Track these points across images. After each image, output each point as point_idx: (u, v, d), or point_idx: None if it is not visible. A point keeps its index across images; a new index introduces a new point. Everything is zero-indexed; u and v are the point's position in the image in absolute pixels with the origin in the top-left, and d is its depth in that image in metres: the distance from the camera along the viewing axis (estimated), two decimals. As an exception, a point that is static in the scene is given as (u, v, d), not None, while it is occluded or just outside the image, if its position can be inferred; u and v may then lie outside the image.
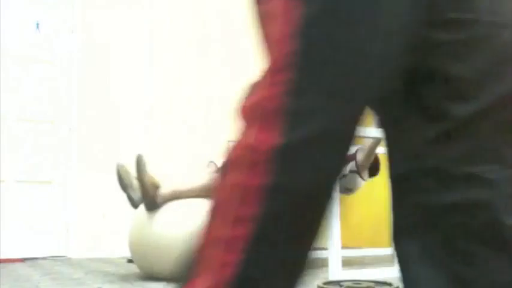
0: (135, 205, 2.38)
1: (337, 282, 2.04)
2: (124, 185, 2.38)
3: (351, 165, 2.92)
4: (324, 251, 2.92)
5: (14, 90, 3.46)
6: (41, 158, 3.50)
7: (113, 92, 3.80)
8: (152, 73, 3.98)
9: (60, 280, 2.35)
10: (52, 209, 3.49)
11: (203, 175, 2.53)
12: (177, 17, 4.17)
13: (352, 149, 2.69)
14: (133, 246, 2.40)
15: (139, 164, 2.29)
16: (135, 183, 2.34)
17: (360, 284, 1.99)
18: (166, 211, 2.32)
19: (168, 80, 4.03)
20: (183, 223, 2.24)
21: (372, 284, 1.96)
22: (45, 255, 3.42)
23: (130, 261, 2.51)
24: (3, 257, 3.21)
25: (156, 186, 2.30)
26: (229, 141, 2.60)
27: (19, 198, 3.39)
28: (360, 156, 2.92)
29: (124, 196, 3.68)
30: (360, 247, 4.02)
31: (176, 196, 2.35)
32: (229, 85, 4.29)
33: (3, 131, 3.40)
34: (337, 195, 2.28)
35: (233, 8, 4.52)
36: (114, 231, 3.65)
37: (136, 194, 2.33)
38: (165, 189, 2.32)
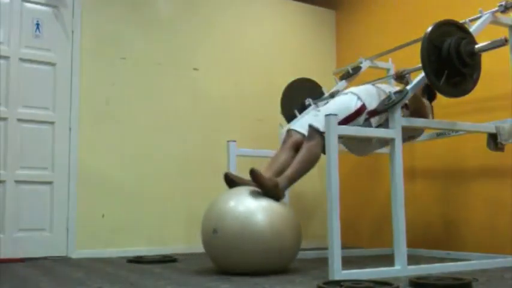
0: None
1: (337, 282, 2.04)
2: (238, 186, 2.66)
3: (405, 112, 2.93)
4: (324, 251, 2.92)
5: (14, 90, 3.45)
6: (41, 158, 3.50)
7: (113, 92, 3.80)
8: (153, 71, 3.97)
9: (60, 280, 2.35)
10: (52, 209, 3.49)
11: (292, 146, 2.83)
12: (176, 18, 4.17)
13: (392, 88, 2.62)
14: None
15: (256, 175, 2.50)
16: (252, 183, 2.58)
17: (360, 284, 1.99)
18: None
19: (168, 80, 4.03)
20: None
21: (371, 284, 1.96)
22: (45, 255, 3.42)
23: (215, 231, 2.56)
24: (3, 257, 3.21)
25: (276, 184, 2.55)
26: (228, 141, 2.63)
27: (19, 198, 3.39)
28: (410, 102, 2.92)
29: (123, 196, 3.70)
30: (360, 247, 4.02)
31: (292, 181, 2.66)
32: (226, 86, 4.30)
33: (3, 131, 3.40)
34: (336, 195, 2.29)
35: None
36: (114, 231, 3.66)
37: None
38: (281, 181, 2.59)
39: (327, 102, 3.22)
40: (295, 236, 2.55)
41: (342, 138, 2.88)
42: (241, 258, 2.43)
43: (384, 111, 2.68)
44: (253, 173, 2.50)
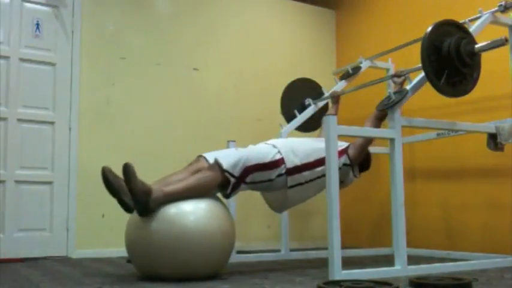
0: (128, 210, 2.34)
1: (337, 282, 2.04)
2: (114, 189, 2.29)
3: (344, 159, 2.91)
4: (324, 251, 2.92)
5: (14, 90, 3.45)
6: (41, 158, 3.50)
7: (113, 92, 3.80)
8: (153, 71, 3.98)
9: (60, 280, 2.35)
10: (52, 209, 3.49)
11: (193, 172, 2.53)
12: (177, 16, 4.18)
13: (344, 144, 2.70)
14: (130, 246, 2.39)
15: (128, 171, 2.21)
16: (125, 187, 2.27)
17: (360, 284, 1.98)
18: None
19: (168, 80, 4.03)
20: (178, 221, 2.26)
21: (371, 284, 1.96)
22: (45, 255, 3.42)
23: (129, 261, 2.50)
24: (3, 257, 3.21)
25: (148, 192, 2.25)
26: (228, 141, 2.62)
27: (19, 198, 3.39)
28: (351, 151, 2.92)
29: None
30: (360, 247, 4.02)
31: (168, 199, 2.31)
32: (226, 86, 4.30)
33: (3, 131, 3.40)
34: (336, 195, 2.29)
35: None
36: (114, 231, 3.66)
37: (129, 198, 2.28)
38: (157, 193, 2.28)
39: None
40: (223, 237, 2.37)
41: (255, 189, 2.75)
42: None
43: (301, 171, 2.68)
44: (127, 168, 2.20)
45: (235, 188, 2.57)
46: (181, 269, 2.27)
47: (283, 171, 2.69)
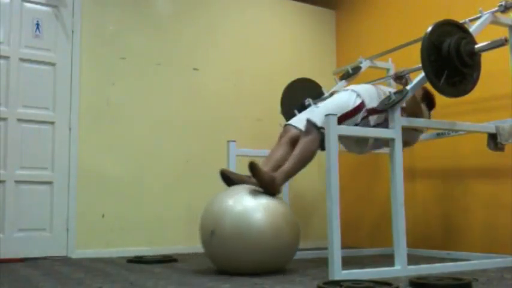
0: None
1: (337, 282, 2.04)
2: (234, 183, 2.67)
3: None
4: (324, 251, 2.92)
5: (14, 90, 3.45)
6: (41, 158, 3.50)
7: (113, 92, 3.80)
8: (153, 71, 3.98)
9: (60, 280, 2.35)
10: (52, 209, 3.49)
11: (289, 142, 2.84)
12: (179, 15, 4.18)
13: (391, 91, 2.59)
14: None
15: (254, 168, 2.50)
16: (248, 179, 2.63)
17: (360, 284, 1.99)
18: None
19: (168, 80, 4.03)
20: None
21: (371, 284, 1.96)
22: (45, 255, 3.42)
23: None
24: (3, 257, 3.21)
25: (273, 180, 2.55)
26: (228, 141, 2.64)
27: (19, 198, 3.39)
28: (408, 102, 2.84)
29: (123, 196, 3.70)
30: (360, 247, 4.02)
31: (289, 176, 2.66)
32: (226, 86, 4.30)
33: (3, 131, 3.40)
34: (336, 195, 2.29)
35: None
36: (114, 231, 3.66)
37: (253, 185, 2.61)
38: (278, 176, 2.59)
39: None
40: (293, 234, 2.55)
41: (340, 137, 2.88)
42: (240, 258, 2.43)
43: (383, 110, 2.67)
44: (252, 166, 2.49)
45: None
46: (251, 264, 2.45)
47: (366, 113, 2.82)
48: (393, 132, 2.52)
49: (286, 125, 2.96)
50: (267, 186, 2.53)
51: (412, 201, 3.69)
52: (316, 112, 2.79)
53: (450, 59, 2.49)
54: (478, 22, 2.86)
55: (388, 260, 2.75)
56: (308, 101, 3.65)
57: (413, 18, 3.98)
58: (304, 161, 2.69)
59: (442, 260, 3.16)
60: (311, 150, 2.69)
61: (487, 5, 2.96)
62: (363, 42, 4.54)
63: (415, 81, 2.63)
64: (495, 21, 2.93)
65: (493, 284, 2.14)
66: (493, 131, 2.84)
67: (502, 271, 2.58)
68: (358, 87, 3.00)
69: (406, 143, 3.11)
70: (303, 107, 3.64)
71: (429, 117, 3.15)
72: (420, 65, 2.50)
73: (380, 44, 4.08)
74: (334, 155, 2.32)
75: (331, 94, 3.58)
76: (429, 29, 2.50)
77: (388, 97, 2.60)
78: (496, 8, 2.92)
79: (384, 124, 2.74)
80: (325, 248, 2.43)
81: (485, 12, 2.92)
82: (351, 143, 3.13)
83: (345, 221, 2.60)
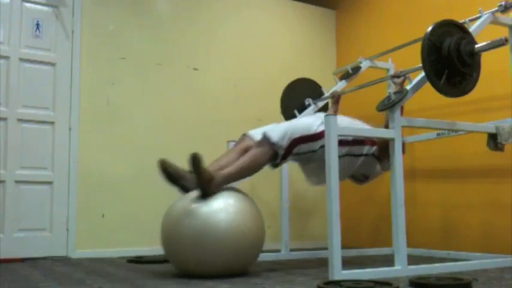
0: (187, 192, 2.55)
1: (337, 282, 2.04)
2: (174, 177, 2.56)
3: (374, 149, 2.91)
4: (324, 251, 2.92)
5: (14, 90, 3.46)
6: (41, 158, 3.50)
7: (113, 92, 3.80)
8: (153, 71, 3.98)
9: (60, 280, 2.35)
10: (52, 209, 3.49)
11: (241, 151, 2.73)
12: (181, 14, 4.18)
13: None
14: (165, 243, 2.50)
15: (197, 161, 2.41)
16: (186, 174, 2.53)
17: (360, 284, 1.99)
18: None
19: (168, 80, 4.03)
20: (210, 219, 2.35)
21: (371, 284, 1.96)
22: (45, 255, 3.42)
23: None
24: (3, 257, 3.21)
25: (211, 178, 2.45)
26: (228, 141, 2.64)
27: (19, 198, 3.39)
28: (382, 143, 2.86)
29: (123, 196, 3.70)
30: (360, 247, 4.02)
31: (228, 181, 2.55)
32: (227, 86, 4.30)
33: (3, 131, 3.40)
34: (336, 195, 2.29)
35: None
36: (114, 231, 3.66)
37: (190, 184, 2.51)
38: (217, 177, 2.48)
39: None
40: (255, 234, 2.46)
41: (298, 160, 2.88)
42: (199, 260, 2.36)
43: (344, 143, 2.69)
44: (194, 158, 2.39)
45: (284, 159, 2.74)
46: (213, 266, 2.36)
47: (325, 142, 2.73)
48: (393, 132, 2.52)
49: (244, 133, 2.84)
50: (203, 183, 2.41)
51: (412, 201, 3.69)
52: (276, 128, 2.74)
53: (450, 59, 2.49)
54: (478, 22, 2.86)
55: (388, 260, 2.75)
56: (308, 101, 3.66)
57: (413, 18, 3.98)
58: (249, 170, 2.61)
59: (442, 260, 3.16)
60: (258, 162, 2.62)
61: (487, 5, 2.95)
62: (362, 42, 4.54)
63: (415, 81, 2.63)
64: (495, 21, 2.93)
65: (493, 284, 2.14)
66: (493, 131, 2.84)
67: (502, 271, 2.58)
68: (322, 115, 2.86)
69: (365, 179, 3.12)
70: (303, 107, 3.65)
71: (381, 172, 3.12)
72: (420, 65, 2.50)
73: (380, 44, 4.08)
74: (334, 155, 2.32)
75: (331, 94, 3.59)
76: (429, 29, 2.49)
77: (388, 97, 2.60)
78: (496, 8, 2.92)
79: (341, 158, 2.69)
80: (325, 248, 2.43)
81: (485, 12, 2.92)
82: (310, 170, 3.00)
83: (345, 221, 2.60)
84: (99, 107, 3.73)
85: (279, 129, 2.70)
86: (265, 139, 2.65)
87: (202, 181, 2.40)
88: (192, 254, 2.34)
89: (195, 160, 2.40)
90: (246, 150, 2.71)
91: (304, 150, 2.75)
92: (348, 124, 2.82)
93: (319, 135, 2.71)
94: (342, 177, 2.84)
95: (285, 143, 2.67)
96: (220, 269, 2.38)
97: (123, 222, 3.70)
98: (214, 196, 2.43)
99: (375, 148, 2.94)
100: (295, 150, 2.73)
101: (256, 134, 2.75)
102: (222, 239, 2.32)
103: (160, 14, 4.10)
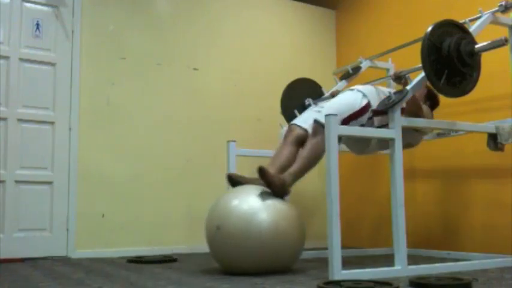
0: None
1: (337, 282, 2.04)
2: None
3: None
4: (324, 251, 2.92)
5: (14, 90, 3.46)
6: (41, 158, 3.50)
7: (113, 92, 3.80)
8: (153, 71, 3.98)
9: (60, 280, 2.35)
10: (52, 209, 3.49)
11: (295, 142, 2.83)
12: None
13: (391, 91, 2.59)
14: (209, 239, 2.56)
15: (264, 173, 2.49)
16: (256, 181, 2.61)
17: (360, 284, 1.99)
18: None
19: (168, 80, 4.03)
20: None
21: (371, 284, 1.96)
22: (45, 255, 3.42)
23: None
24: (3, 257, 3.21)
25: (284, 182, 2.55)
26: (228, 141, 2.64)
27: (19, 198, 3.39)
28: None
29: (123, 196, 3.70)
30: (360, 247, 4.02)
31: (298, 178, 2.64)
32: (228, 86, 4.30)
33: (3, 131, 3.40)
34: (336, 195, 2.29)
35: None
36: (114, 231, 3.66)
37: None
38: (287, 178, 2.58)
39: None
40: (298, 235, 2.55)
41: (342, 137, 2.89)
42: (245, 257, 2.43)
43: (387, 112, 2.66)
44: (261, 171, 2.49)
45: (339, 140, 2.72)
46: (256, 264, 2.44)
47: (371, 114, 2.80)
48: (393, 132, 2.51)
49: (291, 124, 2.96)
50: (277, 189, 2.53)
51: (412, 201, 3.69)
52: (323, 112, 2.77)
53: (450, 59, 2.49)
54: (478, 22, 2.86)
55: (388, 260, 2.74)
56: (308, 101, 3.66)
57: (413, 18, 3.98)
58: (313, 162, 2.70)
59: (442, 260, 3.16)
60: (319, 151, 2.67)
61: (487, 5, 2.95)
62: (362, 42, 4.54)
63: (415, 81, 2.63)
64: (495, 21, 2.93)
65: (493, 284, 2.14)
66: (493, 131, 2.84)
67: (502, 271, 2.58)
68: (363, 87, 2.99)
69: (409, 145, 3.11)
70: (303, 107, 3.65)
71: (432, 117, 3.14)
72: (420, 65, 2.49)
73: (380, 44, 4.08)
74: (334, 155, 2.32)
75: (332, 94, 3.59)
76: (429, 29, 2.49)
77: (388, 97, 2.60)
78: (496, 8, 2.92)
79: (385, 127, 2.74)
80: (325, 248, 2.42)
81: (485, 12, 2.92)
82: (352, 143, 3.12)
83: (345, 221, 2.60)
84: (99, 107, 3.73)
85: (328, 113, 2.71)
86: (319, 126, 2.68)
87: (275, 188, 2.52)
88: (235, 252, 2.44)
89: (263, 173, 2.49)
90: (298, 140, 2.83)
91: (354, 126, 2.77)
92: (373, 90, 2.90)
93: (365, 108, 2.79)
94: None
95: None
96: (260, 267, 2.46)
97: (123, 222, 3.70)
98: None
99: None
100: None
101: (305, 122, 2.85)
102: (263, 239, 2.40)
103: (160, 14, 4.10)
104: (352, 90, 2.99)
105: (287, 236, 2.47)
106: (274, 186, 2.52)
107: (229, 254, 2.47)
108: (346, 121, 2.73)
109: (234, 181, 2.67)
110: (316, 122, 2.73)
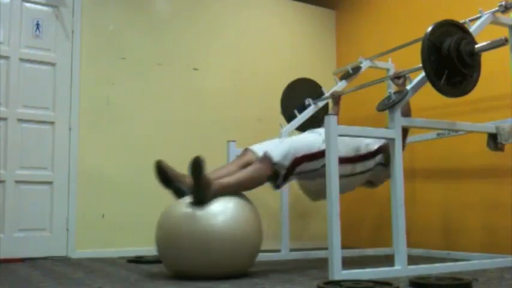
0: (182, 196, 2.48)
1: (337, 282, 2.04)
2: (169, 179, 2.48)
3: (379, 158, 2.91)
4: (324, 251, 2.92)
5: (14, 90, 3.46)
6: (41, 158, 3.50)
7: (113, 92, 3.80)
8: (153, 71, 3.98)
9: (60, 280, 2.35)
10: (52, 209, 3.49)
11: (242, 165, 2.66)
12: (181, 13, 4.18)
13: (377, 142, 2.64)
14: (160, 244, 2.42)
15: (199, 164, 2.32)
16: (182, 178, 2.47)
17: (360, 284, 1.99)
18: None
19: (168, 80, 4.04)
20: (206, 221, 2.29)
21: (371, 284, 1.96)
22: (45, 255, 3.42)
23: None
24: (3, 257, 3.21)
25: (210, 184, 2.36)
26: (228, 141, 2.64)
27: (19, 198, 3.39)
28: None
29: (123, 196, 3.70)
30: (360, 247, 4.02)
31: (224, 191, 2.43)
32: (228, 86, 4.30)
33: (3, 131, 3.40)
34: (336, 195, 2.29)
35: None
36: (114, 231, 3.66)
37: (185, 188, 2.43)
38: (215, 185, 2.39)
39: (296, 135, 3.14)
40: (251, 237, 2.41)
41: (300, 179, 2.85)
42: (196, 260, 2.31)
43: (346, 160, 2.67)
44: (198, 161, 2.31)
45: (286, 179, 2.69)
46: (209, 268, 2.30)
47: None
48: (393, 132, 2.51)
49: (246, 148, 2.78)
50: (200, 188, 2.32)
51: (412, 201, 3.69)
52: (278, 146, 2.68)
53: (450, 59, 2.49)
54: (478, 22, 2.86)
55: (388, 260, 2.74)
56: (308, 101, 3.66)
57: (413, 18, 3.98)
58: (247, 183, 2.53)
59: (442, 260, 3.16)
60: (258, 178, 2.56)
61: (487, 5, 2.95)
62: (362, 42, 4.54)
63: (415, 81, 2.63)
64: (495, 21, 2.93)
65: (493, 284, 2.14)
66: (493, 131, 2.84)
67: (502, 271, 2.58)
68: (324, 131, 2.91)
69: (370, 183, 3.10)
70: (303, 107, 3.65)
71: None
72: (420, 65, 2.49)
73: (380, 44, 4.08)
74: (334, 155, 2.32)
75: (332, 94, 3.59)
76: (429, 29, 2.49)
77: (388, 97, 2.60)
78: (496, 8, 2.92)
79: (345, 178, 2.70)
80: (325, 248, 2.42)
81: (485, 12, 2.92)
82: (309, 187, 2.96)
83: (345, 221, 2.60)
84: (99, 107, 3.73)
85: (282, 149, 2.64)
86: (267, 158, 2.60)
87: (199, 186, 2.32)
88: (190, 257, 2.29)
89: (197, 163, 2.31)
90: (247, 165, 2.65)
91: (306, 169, 2.70)
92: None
93: (321, 154, 2.63)
94: (345, 191, 2.86)
95: (287, 162, 2.62)
96: (216, 272, 2.33)
97: (123, 222, 3.70)
98: (208, 203, 2.35)
99: (379, 157, 2.92)
100: (298, 169, 2.69)
101: (259, 150, 2.69)
102: (219, 242, 2.27)
103: (160, 14, 4.10)
104: (314, 133, 2.92)
105: (243, 239, 2.34)
106: (198, 184, 2.32)
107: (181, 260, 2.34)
108: (299, 160, 2.66)
109: (162, 171, 2.49)
110: (264, 153, 2.62)
